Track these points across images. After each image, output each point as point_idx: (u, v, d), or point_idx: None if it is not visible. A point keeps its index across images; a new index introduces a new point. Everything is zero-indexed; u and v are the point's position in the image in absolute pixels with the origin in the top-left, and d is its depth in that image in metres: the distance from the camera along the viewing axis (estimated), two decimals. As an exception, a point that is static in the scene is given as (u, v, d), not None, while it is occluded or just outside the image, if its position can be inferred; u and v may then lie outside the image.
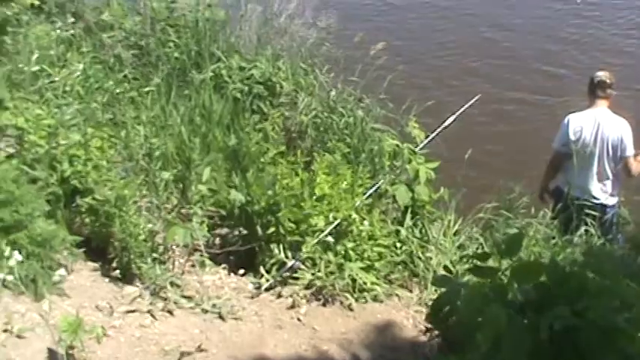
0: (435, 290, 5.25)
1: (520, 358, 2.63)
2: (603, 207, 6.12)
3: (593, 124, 6.09)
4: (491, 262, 3.12)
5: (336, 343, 4.63)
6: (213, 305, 4.58)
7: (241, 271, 5.17)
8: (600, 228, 5.87)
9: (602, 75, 6.22)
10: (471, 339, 3.02)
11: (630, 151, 6.08)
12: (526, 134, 9.01)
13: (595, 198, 6.15)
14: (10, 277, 3.50)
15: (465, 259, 5.46)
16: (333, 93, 6.88)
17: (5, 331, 3.61)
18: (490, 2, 14.07)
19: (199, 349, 3.92)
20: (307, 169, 5.65)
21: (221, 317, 4.54)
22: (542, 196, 6.49)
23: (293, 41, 7.30)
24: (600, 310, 2.67)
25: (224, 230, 5.50)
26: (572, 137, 6.09)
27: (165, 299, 4.49)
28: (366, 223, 5.23)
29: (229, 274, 5.16)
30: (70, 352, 3.50)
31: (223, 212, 5.42)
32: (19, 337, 3.63)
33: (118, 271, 4.65)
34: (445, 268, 5.33)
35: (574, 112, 6.29)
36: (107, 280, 4.60)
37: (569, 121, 6.17)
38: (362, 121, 6.50)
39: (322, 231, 5.07)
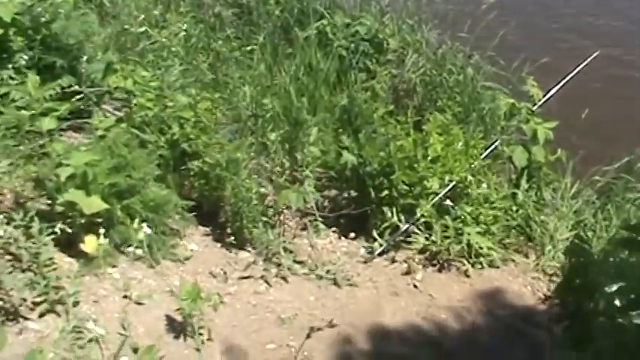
0: (553, 257, 5.01)
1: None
2: None
3: None
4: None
5: (453, 312, 4.41)
6: (328, 271, 4.40)
7: (352, 235, 4.97)
8: None
9: None
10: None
11: None
12: None
13: None
14: (139, 251, 3.38)
15: (582, 225, 5.24)
16: (441, 50, 6.56)
17: (125, 297, 3.51)
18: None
19: (330, 325, 3.72)
20: (417, 128, 5.39)
21: (336, 283, 4.36)
22: None
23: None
24: None
25: (333, 192, 5.29)
26: None
27: (279, 265, 4.33)
28: (484, 185, 4.96)
29: (340, 238, 4.97)
30: (190, 320, 3.38)
31: (333, 174, 5.23)
32: (138, 303, 3.53)
33: (230, 236, 4.50)
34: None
35: None
36: (219, 245, 4.47)
37: None
38: (472, 79, 6.18)
39: (437, 194, 4.83)
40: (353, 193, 5.12)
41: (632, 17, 10.65)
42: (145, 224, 3.41)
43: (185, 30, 6.05)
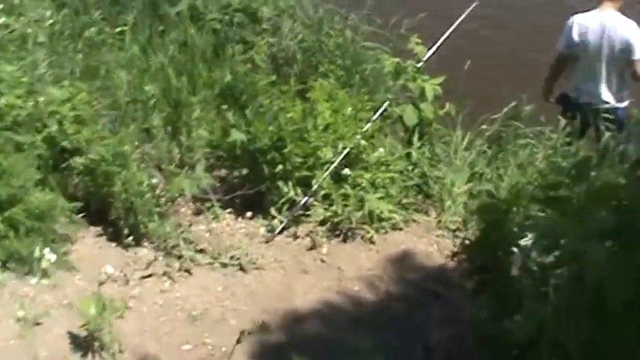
0: (455, 212, 4.97)
1: (624, 295, 2.30)
2: (614, 110, 5.76)
3: (599, 25, 5.61)
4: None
5: (364, 282, 4.31)
6: (232, 257, 4.22)
7: (249, 214, 4.77)
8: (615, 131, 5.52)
9: None
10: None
11: (638, 54, 5.66)
12: (527, 40, 8.50)
13: (604, 102, 5.71)
14: (45, 282, 3.08)
15: (477, 176, 5.25)
16: (313, 13, 6.37)
17: (19, 320, 3.21)
18: None
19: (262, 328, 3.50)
20: (302, 97, 5.23)
21: (242, 269, 4.19)
22: (546, 98, 6.10)
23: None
24: None
25: (224, 172, 5.07)
26: (577, 38, 5.65)
27: (180, 257, 4.11)
28: (380, 149, 4.86)
29: (237, 219, 4.77)
30: (96, 334, 3.13)
31: (222, 153, 5.01)
32: (35, 324, 3.25)
33: (124, 234, 4.20)
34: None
35: (578, 12, 5.85)
36: (114, 245, 4.20)
37: (573, 22, 5.69)
38: (352, 41, 6.04)
39: (332, 162, 4.70)
40: (245, 172, 4.92)
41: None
42: (47, 250, 3.11)
43: (49, 16, 5.62)
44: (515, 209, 4.38)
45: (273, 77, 5.53)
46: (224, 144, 4.92)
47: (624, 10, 5.70)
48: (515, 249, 3.28)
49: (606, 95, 5.69)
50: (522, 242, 3.29)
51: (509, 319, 2.90)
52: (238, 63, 5.59)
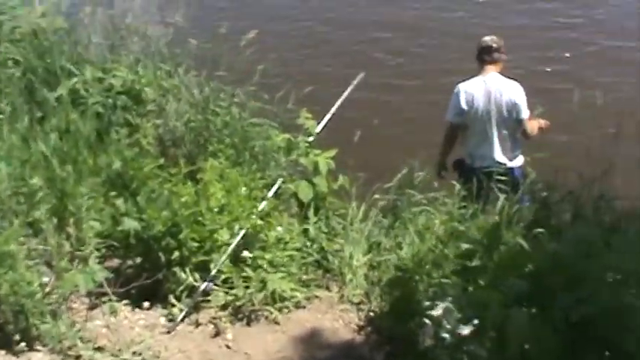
0: (356, 286, 4.93)
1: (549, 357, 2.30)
2: (510, 170, 5.91)
3: (485, 90, 5.84)
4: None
5: (274, 366, 4.18)
6: (134, 353, 3.97)
7: (147, 305, 4.57)
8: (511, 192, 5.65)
9: (487, 39, 5.99)
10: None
11: (525, 113, 5.88)
12: (416, 109, 8.72)
13: (499, 163, 5.90)
14: None
15: (375, 247, 5.22)
16: (197, 92, 6.27)
17: None
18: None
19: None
20: (193, 179, 5.11)
21: (146, 365, 3.96)
22: (439, 173, 6.20)
23: (149, 43, 6.62)
24: (610, 292, 2.37)
25: (115, 262, 4.85)
26: (465, 107, 5.82)
27: (78, 358, 3.84)
28: (279, 228, 4.78)
29: (134, 310, 4.55)
30: None
31: (114, 243, 4.78)
32: None
33: (15, 340, 3.87)
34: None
35: (463, 80, 6.01)
36: (4, 352, 3.84)
37: (459, 91, 5.88)
38: (239, 118, 5.97)
39: (229, 245, 4.58)
40: (139, 260, 4.70)
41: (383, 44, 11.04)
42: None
43: None
44: (418, 278, 4.45)
45: (162, 160, 5.40)
46: (115, 233, 4.70)
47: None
48: (426, 320, 3.27)
49: (500, 157, 5.90)
50: (434, 312, 3.30)
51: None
52: (125, 147, 5.42)
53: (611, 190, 5.29)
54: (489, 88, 5.84)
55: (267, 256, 4.64)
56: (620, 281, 2.43)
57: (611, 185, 5.24)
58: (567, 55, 10.51)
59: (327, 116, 5.44)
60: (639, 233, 4.81)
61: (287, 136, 5.27)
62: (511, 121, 5.89)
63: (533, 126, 5.99)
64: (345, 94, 5.60)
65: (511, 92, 5.86)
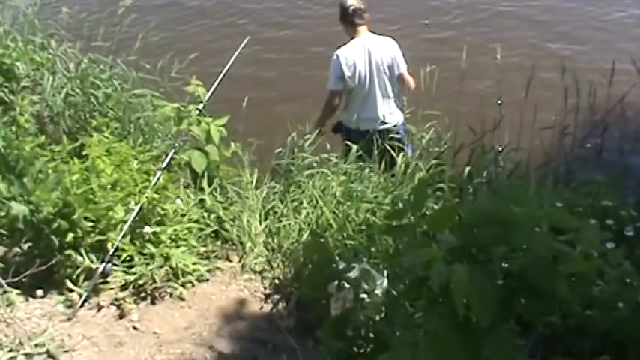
0: (257, 255, 4.83)
1: (492, 311, 2.28)
2: (396, 128, 5.94)
3: (364, 52, 5.78)
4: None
5: (186, 342, 4.02)
6: (36, 344, 3.72)
7: (40, 293, 4.30)
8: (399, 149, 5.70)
9: (354, 2, 5.84)
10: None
11: (404, 66, 5.90)
12: (304, 66, 8.54)
13: (385, 123, 5.91)
14: None
15: (272, 213, 5.15)
16: (73, 65, 5.95)
17: None
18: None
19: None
20: (79, 156, 4.83)
21: (51, 356, 3.70)
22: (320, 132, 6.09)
23: (16, 14, 6.20)
24: (539, 241, 2.38)
25: (1, 250, 4.53)
26: (348, 72, 5.75)
27: (-27, 358, 3.58)
28: (178, 201, 4.61)
29: (28, 300, 4.26)
30: None
31: (3, 231, 4.46)
32: None
33: None
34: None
35: (340, 46, 5.89)
36: None
37: (339, 57, 5.77)
38: (122, 90, 5.71)
39: (125, 222, 4.37)
40: (27, 246, 4.41)
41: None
42: None
43: None
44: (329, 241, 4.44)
45: (42, 138, 5.09)
46: (3, 220, 4.39)
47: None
48: (345, 283, 3.24)
49: (387, 117, 5.87)
50: (351, 274, 3.27)
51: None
52: (1, 127, 5.06)
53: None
54: (369, 49, 5.80)
55: (169, 230, 4.46)
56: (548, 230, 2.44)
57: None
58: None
59: (217, 81, 5.26)
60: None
61: (176, 105, 5.06)
62: (393, 79, 5.91)
63: (410, 78, 6.02)
64: (233, 57, 5.44)
65: (389, 49, 5.87)
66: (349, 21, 5.87)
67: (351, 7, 5.82)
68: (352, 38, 5.89)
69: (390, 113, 5.96)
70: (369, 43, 5.82)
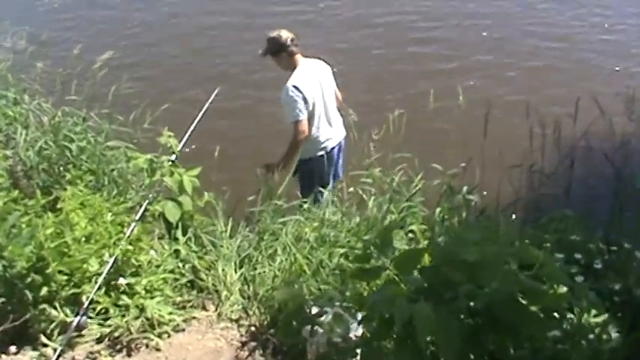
0: (233, 303, 4.80)
1: (456, 348, 2.30)
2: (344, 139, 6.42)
3: (314, 77, 6.04)
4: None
5: (161, 395, 4.00)
6: (12, 405, 3.69)
7: (14, 349, 4.23)
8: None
9: (286, 33, 6.05)
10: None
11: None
12: (266, 118, 8.52)
13: (342, 135, 6.35)
14: None
15: (247, 261, 5.14)
16: (46, 119, 5.95)
17: None
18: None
19: None
20: (52, 210, 4.82)
21: (25, 413, 3.67)
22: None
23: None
24: (505, 278, 2.41)
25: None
26: (310, 99, 5.92)
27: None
28: (152, 252, 4.60)
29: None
30: None
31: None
32: None
33: None
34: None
35: (288, 80, 5.97)
36: None
37: (297, 87, 5.86)
38: (95, 142, 5.72)
39: (99, 274, 4.34)
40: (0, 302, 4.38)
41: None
42: None
43: None
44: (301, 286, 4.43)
45: (15, 193, 5.07)
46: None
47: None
48: (319, 328, 3.25)
49: (341, 130, 6.37)
50: (323, 319, 3.28)
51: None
52: (-28, 182, 5.05)
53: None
54: (315, 73, 6.06)
55: (144, 281, 4.44)
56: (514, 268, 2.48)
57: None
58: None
59: (188, 133, 5.31)
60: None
61: (149, 156, 5.07)
62: (334, 94, 6.27)
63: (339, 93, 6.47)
64: (204, 109, 5.49)
65: (326, 68, 6.25)
66: (288, 52, 6.04)
67: (288, 39, 6.02)
68: (293, 68, 6.05)
69: (341, 125, 6.34)
70: (313, 68, 6.10)
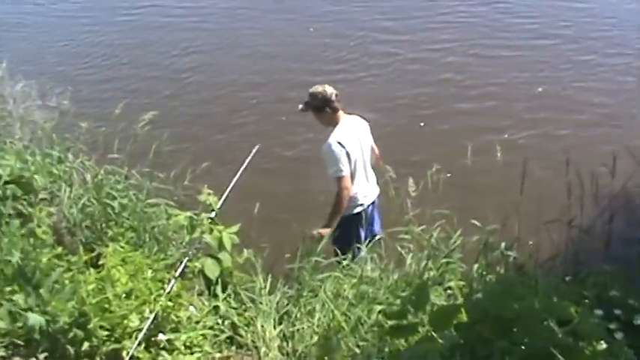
0: (273, 359, 4.83)
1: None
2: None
3: (354, 133, 6.09)
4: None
5: None
6: None
7: (57, 404, 4.33)
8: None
9: (330, 88, 6.10)
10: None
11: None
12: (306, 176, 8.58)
13: (377, 192, 6.35)
14: None
15: (286, 318, 5.18)
16: (89, 177, 6.13)
17: None
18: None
19: None
20: (94, 266, 4.93)
21: None
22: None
23: (35, 128, 6.43)
24: (541, 334, 2.43)
25: (20, 361, 4.58)
26: (352, 155, 5.97)
27: None
28: (191, 308, 4.65)
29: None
30: None
31: (16, 341, 4.51)
32: None
33: None
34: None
35: (331, 136, 6.05)
36: None
37: (340, 142, 5.92)
38: (137, 200, 5.85)
39: (140, 330, 4.41)
40: (43, 357, 4.44)
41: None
42: None
43: None
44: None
45: (59, 249, 5.20)
46: (16, 330, 4.46)
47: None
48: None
49: (376, 186, 6.36)
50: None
51: None
52: (19, 238, 5.18)
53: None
54: (355, 130, 6.11)
55: (183, 337, 4.49)
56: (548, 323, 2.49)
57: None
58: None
59: (227, 190, 5.41)
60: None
61: (189, 214, 5.17)
62: (370, 151, 6.28)
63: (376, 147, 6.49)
64: (243, 166, 5.59)
65: (364, 125, 6.30)
66: (333, 108, 6.08)
67: (333, 94, 6.07)
68: (335, 124, 6.10)
69: (375, 182, 6.35)
70: (353, 124, 6.17)
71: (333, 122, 6.10)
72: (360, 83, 11.57)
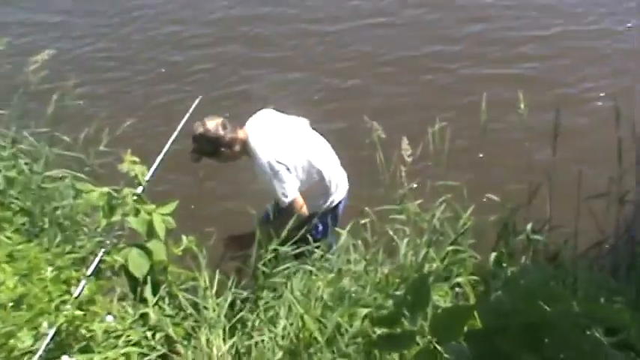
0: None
1: None
2: None
3: (282, 135, 5.80)
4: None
5: None
6: None
7: None
8: None
9: (210, 123, 5.56)
10: None
11: None
12: None
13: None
14: None
15: (240, 327, 4.97)
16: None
17: None
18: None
19: None
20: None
21: None
22: None
23: None
24: (582, 347, 2.45)
25: None
26: (296, 160, 5.69)
27: None
28: (108, 317, 4.42)
29: None
30: None
31: None
32: None
33: None
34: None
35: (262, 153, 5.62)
36: None
37: (278, 161, 5.60)
38: (31, 172, 5.62)
39: (34, 352, 4.05)
40: None
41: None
42: None
43: None
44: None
45: None
46: None
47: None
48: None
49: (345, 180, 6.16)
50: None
51: None
52: None
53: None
54: (303, 131, 5.98)
55: (96, 358, 4.17)
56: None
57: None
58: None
59: (160, 156, 5.06)
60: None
61: (106, 189, 4.92)
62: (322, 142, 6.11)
63: None
64: (181, 124, 5.35)
65: (298, 121, 6.14)
66: (228, 143, 5.62)
67: (219, 129, 5.58)
68: (247, 150, 5.70)
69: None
70: (272, 128, 5.86)
71: (243, 151, 5.65)
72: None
